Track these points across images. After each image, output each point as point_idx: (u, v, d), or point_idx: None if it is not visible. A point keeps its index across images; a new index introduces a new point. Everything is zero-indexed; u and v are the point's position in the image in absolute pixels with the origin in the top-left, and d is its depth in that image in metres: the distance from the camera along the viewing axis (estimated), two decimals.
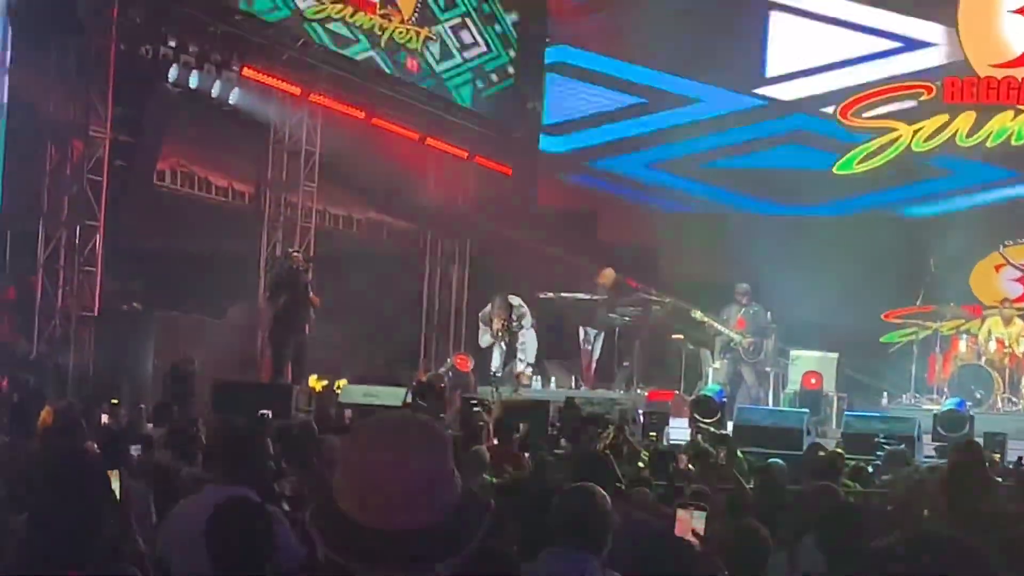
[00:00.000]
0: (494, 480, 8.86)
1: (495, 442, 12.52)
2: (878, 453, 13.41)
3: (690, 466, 11.38)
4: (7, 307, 16.91)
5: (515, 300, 20.42)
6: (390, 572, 2.57)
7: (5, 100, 16.37)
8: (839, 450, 12.85)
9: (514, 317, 20.32)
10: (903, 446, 13.61)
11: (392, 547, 2.56)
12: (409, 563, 2.57)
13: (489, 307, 20.56)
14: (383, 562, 2.57)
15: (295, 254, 19.07)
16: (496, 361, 20.43)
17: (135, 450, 9.43)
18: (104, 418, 12.50)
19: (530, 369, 20.67)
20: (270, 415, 14.26)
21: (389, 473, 2.59)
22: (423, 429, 2.69)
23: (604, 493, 5.39)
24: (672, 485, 9.55)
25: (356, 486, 2.60)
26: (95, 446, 8.65)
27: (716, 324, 19.98)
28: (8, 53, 16.37)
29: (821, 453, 11.89)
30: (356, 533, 2.57)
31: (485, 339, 20.66)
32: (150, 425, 12.67)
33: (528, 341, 20.55)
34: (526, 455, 11.56)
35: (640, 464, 10.91)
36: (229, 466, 6.20)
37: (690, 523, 5.47)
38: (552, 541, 5.34)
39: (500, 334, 20.19)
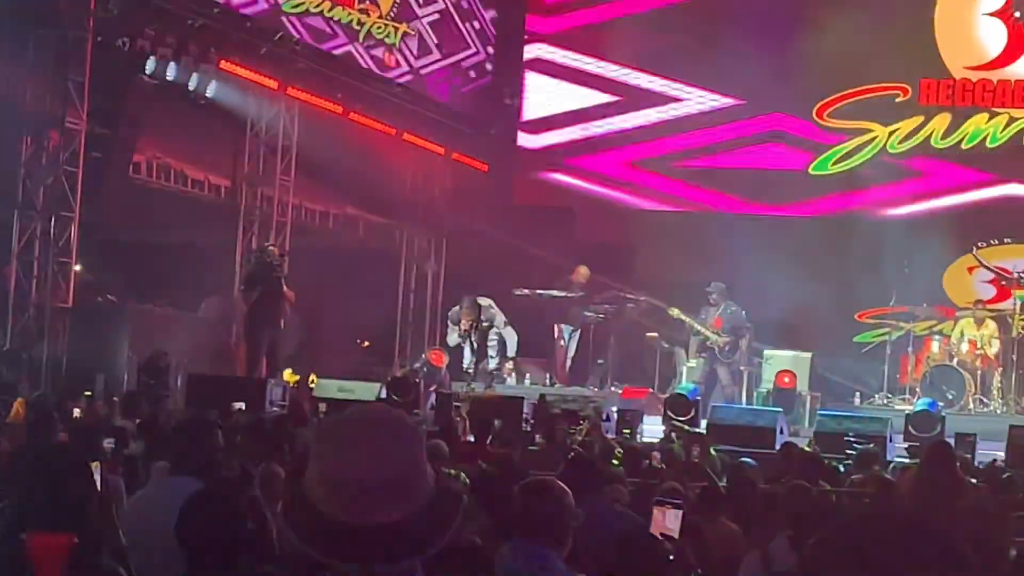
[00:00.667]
0: (452, 473, 8.85)
1: (470, 438, 12.54)
2: (848, 452, 13.47)
3: (662, 464, 11.42)
4: None
5: (484, 301, 20.46)
6: (363, 566, 2.56)
7: None
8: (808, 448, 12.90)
9: (483, 318, 20.37)
10: (872, 445, 13.66)
11: (365, 541, 2.55)
12: (382, 557, 2.57)
13: (458, 307, 20.62)
14: (356, 556, 2.56)
15: (270, 248, 19.05)
16: (467, 359, 20.46)
17: (108, 443, 9.41)
18: (76, 411, 12.47)
19: (511, 364, 20.71)
20: (243, 408, 14.29)
21: (362, 467, 2.57)
22: (394, 422, 2.68)
23: (564, 487, 5.36)
24: (645, 482, 9.58)
25: (328, 480, 2.59)
26: (66, 439, 8.65)
27: (693, 323, 20.03)
28: None
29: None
30: (329, 527, 2.56)
31: (453, 338, 20.73)
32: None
33: (507, 337, 20.58)
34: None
35: (613, 461, 10.94)
36: (177, 457, 6.32)
37: (665, 521, 5.48)
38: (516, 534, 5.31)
39: (467, 333, 20.23)
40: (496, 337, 20.54)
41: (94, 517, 4.29)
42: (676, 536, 5.42)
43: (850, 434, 14.89)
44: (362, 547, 2.54)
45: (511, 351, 20.68)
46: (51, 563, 3.99)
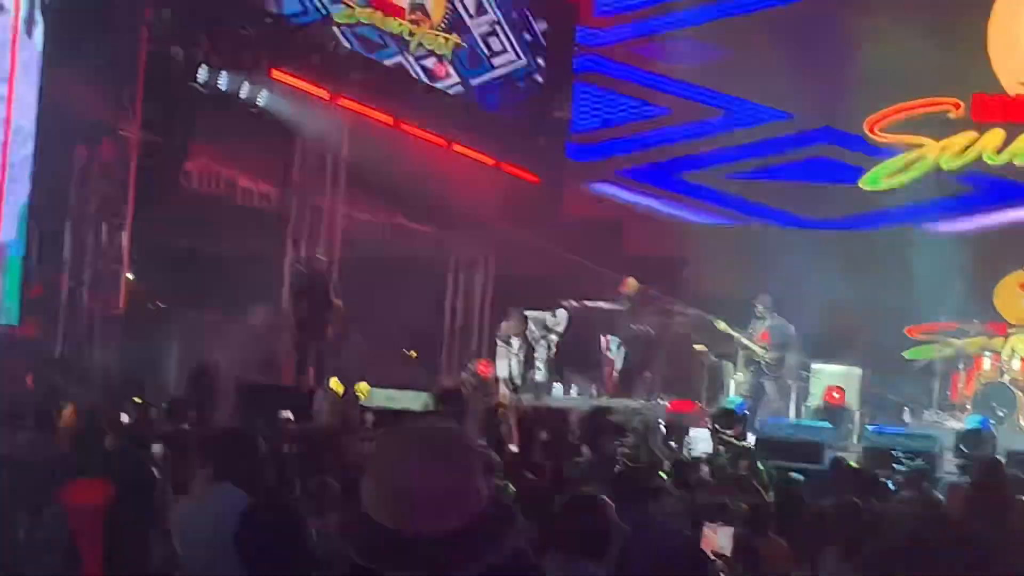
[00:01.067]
0: (499, 484, 8.83)
1: (516, 449, 12.53)
2: (897, 468, 13.37)
3: (710, 478, 11.37)
4: (33, 305, 16.96)
5: (532, 314, 20.51)
6: None
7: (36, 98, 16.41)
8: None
9: (533, 328, 20.43)
10: (922, 462, 13.56)
11: (420, 552, 2.58)
12: (437, 568, 2.59)
13: (505, 324, 20.67)
14: (411, 567, 2.58)
15: (319, 258, 19.11)
16: (515, 370, 20.50)
17: (156, 449, 9.47)
18: (125, 417, 12.53)
19: (555, 336, 20.74)
20: (290, 417, 14.34)
21: (417, 478, 2.61)
22: (450, 436, 2.73)
23: (609, 501, 5.32)
24: (693, 496, 9.53)
25: (384, 492, 2.63)
26: (116, 445, 8.69)
27: (740, 336, 19.94)
28: (41, 51, 16.40)
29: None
30: (384, 538, 2.59)
31: (501, 352, 20.78)
32: None
33: (559, 316, 20.65)
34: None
35: (661, 474, 10.89)
36: (219, 465, 6.31)
37: (715, 538, 5.45)
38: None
39: (514, 346, 20.36)
40: (543, 349, 20.56)
41: (151, 521, 4.32)
42: (727, 553, 5.39)
43: (899, 450, 14.79)
44: (414, 558, 2.57)
45: (561, 327, 20.69)
46: (87, 514, 4.01)
